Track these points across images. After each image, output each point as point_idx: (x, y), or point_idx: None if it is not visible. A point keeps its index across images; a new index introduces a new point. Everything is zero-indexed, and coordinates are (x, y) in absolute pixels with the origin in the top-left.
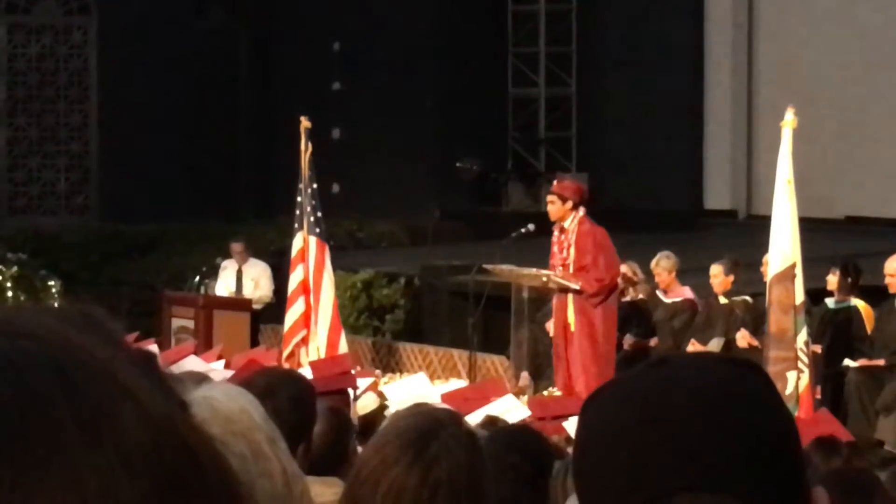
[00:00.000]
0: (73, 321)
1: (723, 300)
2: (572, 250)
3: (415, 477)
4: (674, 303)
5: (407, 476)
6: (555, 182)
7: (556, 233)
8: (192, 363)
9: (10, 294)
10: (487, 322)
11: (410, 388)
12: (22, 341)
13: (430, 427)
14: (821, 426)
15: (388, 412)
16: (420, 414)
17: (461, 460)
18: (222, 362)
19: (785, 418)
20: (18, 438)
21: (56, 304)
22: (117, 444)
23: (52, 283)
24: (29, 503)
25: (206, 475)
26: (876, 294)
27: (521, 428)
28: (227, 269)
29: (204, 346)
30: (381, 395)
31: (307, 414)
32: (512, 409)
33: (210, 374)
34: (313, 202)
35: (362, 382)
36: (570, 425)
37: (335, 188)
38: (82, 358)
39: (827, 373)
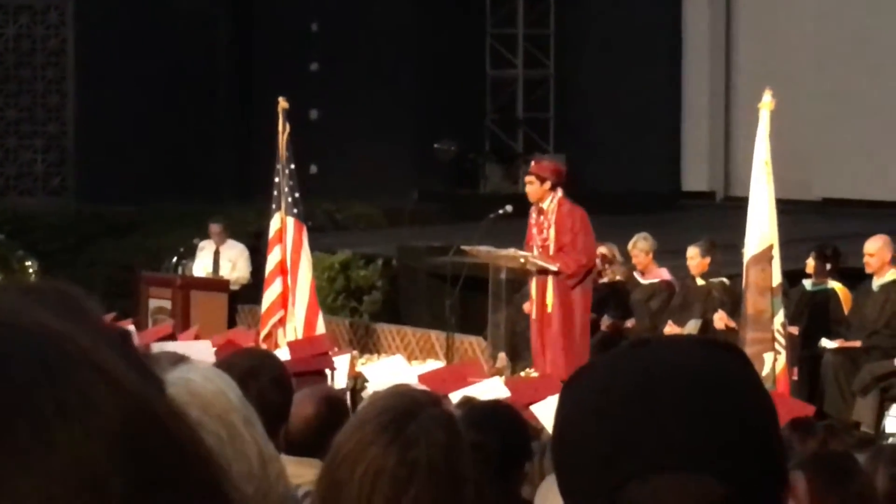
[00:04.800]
0: (49, 301)
1: (700, 282)
2: (552, 231)
3: (393, 457)
4: (651, 284)
5: (385, 456)
6: (532, 163)
7: (533, 214)
8: (199, 348)
9: None
10: (465, 303)
11: (388, 370)
12: (0, 329)
13: (408, 407)
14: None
15: (366, 393)
16: (398, 394)
17: (440, 441)
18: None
19: (764, 400)
20: (1, 428)
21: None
22: (98, 431)
23: (29, 263)
24: (11, 492)
25: (184, 455)
26: (853, 276)
27: (493, 406)
28: (205, 250)
29: (181, 326)
30: (357, 376)
31: (288, 395)
32: (493, 391)
33: (200, 356)
34: (291, 183)
35: (339, 363)
36: (539, 409)
37: (313, 169)
38: (61, 343)
39: (804, 354)
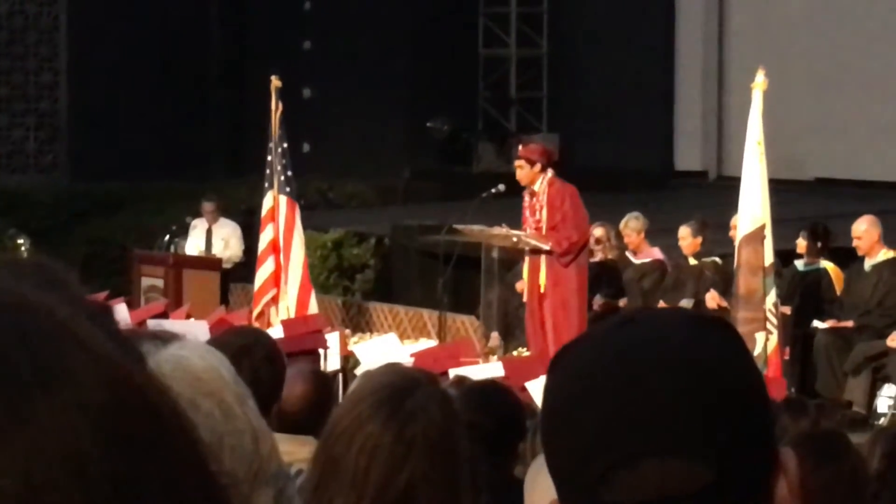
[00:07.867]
0: (30, 276)
1: (692, 261)
2: (544, 212)
3: (390, 434)
4: (643, 263)
5: (382, 433)
6: (520, 146)
7: (526, 197)
8: (194, 327)
9: None
10: (457, 282)
11: (380, 348)
12: None
13: (405, 384)
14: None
15: (359, 371)
16: (395, 372)
17: (436, 418)
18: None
19: (754, 378)
20: None
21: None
22: (78, 404)
23: (21, 241)
24: None
25: (165, 427)
26: (846, 256)
27: (488, 386)
28: (197, 229)
29: (174, 304)
30: (349, 355)
31: (280, 373)
32: (490, 373)
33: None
34: (284, 161)
35: (332, 341)
36: (534, 387)
37: (306, 147)
38: (40, 316)
39: (796, 334)
